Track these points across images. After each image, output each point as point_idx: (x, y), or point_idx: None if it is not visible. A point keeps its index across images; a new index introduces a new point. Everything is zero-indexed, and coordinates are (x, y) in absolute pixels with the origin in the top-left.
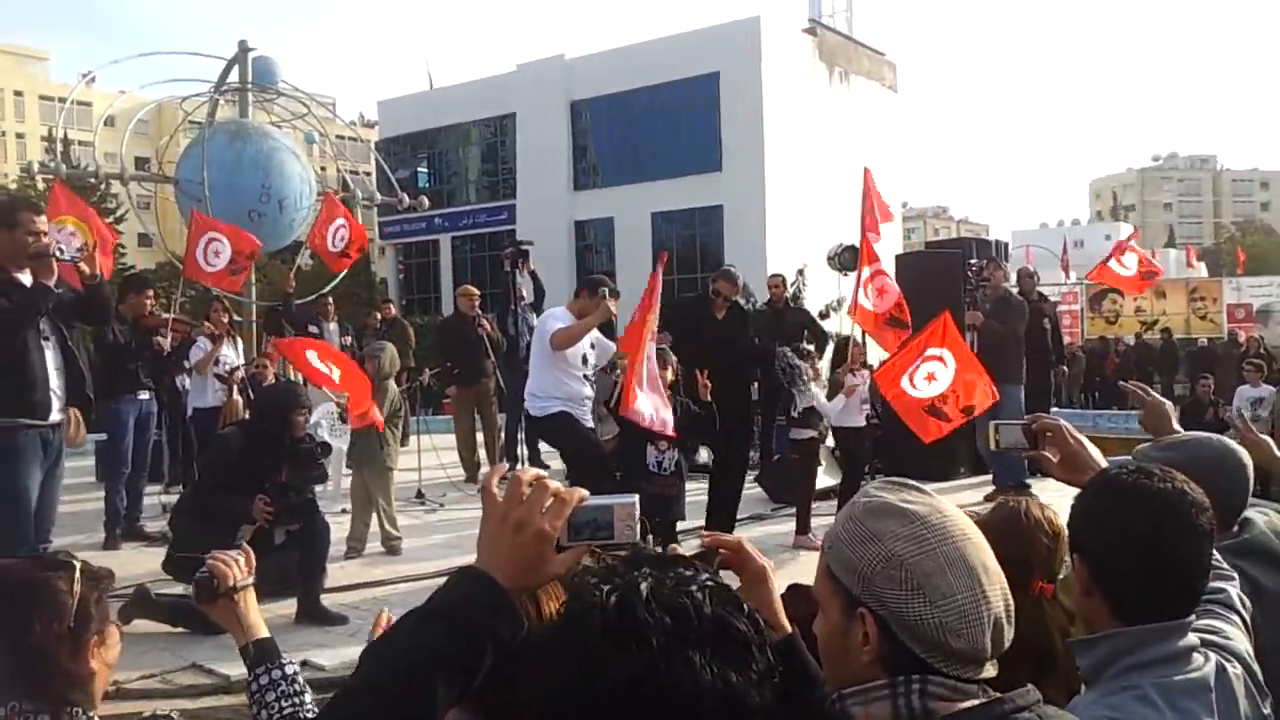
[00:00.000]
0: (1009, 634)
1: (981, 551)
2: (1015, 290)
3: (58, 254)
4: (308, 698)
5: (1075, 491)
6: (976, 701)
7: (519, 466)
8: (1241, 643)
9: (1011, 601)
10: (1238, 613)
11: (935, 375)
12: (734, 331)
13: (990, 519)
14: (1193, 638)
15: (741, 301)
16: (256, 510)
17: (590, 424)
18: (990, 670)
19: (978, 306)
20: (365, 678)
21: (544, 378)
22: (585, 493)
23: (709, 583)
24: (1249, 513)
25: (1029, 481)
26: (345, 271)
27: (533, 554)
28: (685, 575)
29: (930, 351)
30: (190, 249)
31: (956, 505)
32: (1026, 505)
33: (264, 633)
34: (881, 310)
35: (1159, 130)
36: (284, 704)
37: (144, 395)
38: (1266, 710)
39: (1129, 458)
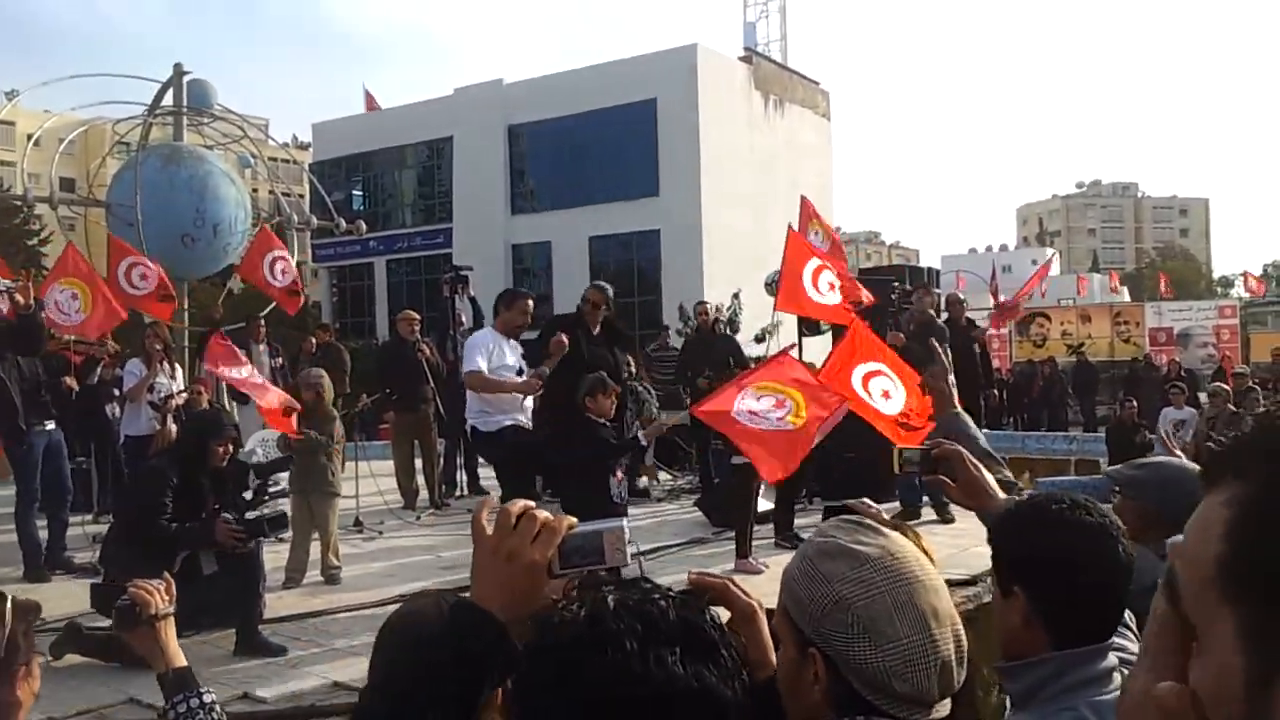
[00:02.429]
0: (960, 676)
1: (933, 594)
2: (945, 315)
3: None
4: None
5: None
6: None
7: (457, 491)
8: None
9: (965, 643)
10: (1131, 630)
11: (890, 393)
12: (606, 349)
13: None
14: (1113, 658)
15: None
16: (221, 533)
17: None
18: (941, 710)
19: (901, 328)
20: (361, 710)
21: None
22: (574, 520)
23: (671, 592)
24: None
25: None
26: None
27: (525, 584)
28: (647, 588)
29: (865, 368)
30: (111, 271)
31: None
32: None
33: (182, 661)
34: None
35: (1083, 158)
36: None
37: (49, 425)
38: None
39: (1060, 479)
